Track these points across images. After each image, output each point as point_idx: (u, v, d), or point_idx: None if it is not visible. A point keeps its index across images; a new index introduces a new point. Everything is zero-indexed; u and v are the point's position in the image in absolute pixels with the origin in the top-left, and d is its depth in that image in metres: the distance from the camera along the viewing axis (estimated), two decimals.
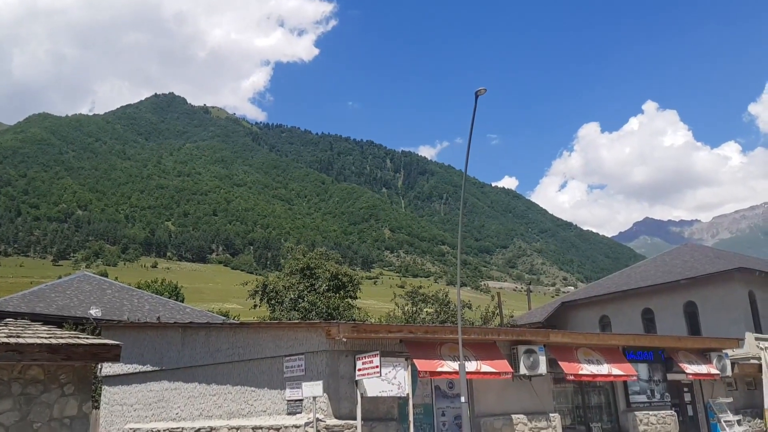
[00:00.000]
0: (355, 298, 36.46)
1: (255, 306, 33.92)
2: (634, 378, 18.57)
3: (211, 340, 17.17)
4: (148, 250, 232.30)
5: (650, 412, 18.78)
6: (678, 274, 29.82)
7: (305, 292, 32.52)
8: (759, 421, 20.92)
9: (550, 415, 16.91)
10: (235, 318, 36.09)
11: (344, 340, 14.16)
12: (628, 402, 18.75)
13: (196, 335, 17.72)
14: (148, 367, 18.46)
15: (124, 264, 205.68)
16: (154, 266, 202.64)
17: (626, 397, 18.78)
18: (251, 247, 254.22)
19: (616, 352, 18.65)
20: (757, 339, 24.41)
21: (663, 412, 19.03)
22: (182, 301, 42.56)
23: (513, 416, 16.23)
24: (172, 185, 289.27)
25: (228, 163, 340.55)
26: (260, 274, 52.50)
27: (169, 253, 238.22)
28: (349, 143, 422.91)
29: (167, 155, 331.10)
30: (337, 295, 33.88)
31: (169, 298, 40.72)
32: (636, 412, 18.57)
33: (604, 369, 17.76)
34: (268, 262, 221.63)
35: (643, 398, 19.05)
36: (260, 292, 33.53)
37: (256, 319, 28.99)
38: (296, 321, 22.38)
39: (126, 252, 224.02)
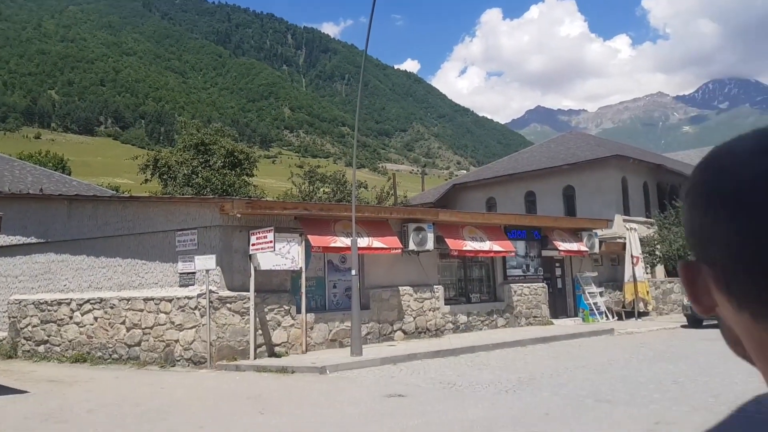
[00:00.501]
0: (252, 175, 36.30)
1: (146, 181, 33.12)
2: (513, 254, 20.04)
3: (99, 213, 16.83)
4: (30, 120, 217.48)
5: (524, 285, 20.48)
6: (560, 160, 31.57)
7: (199, 168, 32.01)
8: (619, 293, 23.30)
9: (435, 287, 18.11)
10: (126, 193, 35.10)
11: (238, 216, 14.31)
12: (505, 275, 20.31)
13: (83, 208, 17.30)
14: (33, 239, 17.97)
15: (4, 134, 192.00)
16: (38, 137, 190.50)
17: (504, 271, 20.32)
18: (142, 121, 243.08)
19: (498, 230, 19.92)
20: (624, 221, 26.67)
21: (535, 284, 20.81)
22: (69, 175, 40.73)
23: (400, 288, 17.26)
24: (55, 51, 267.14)
25: (116, 29, 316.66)
26: (152, 149, 50.64)
27: (53, 124, 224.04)
28: (249, 15, 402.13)
29: (48, 17, 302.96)
30: (233, 172, 33.59)
31: (55, 170, 38.82)
32: (512, 285, 20.20)
33: (486, 246, 19.01)
34: (161, 137, 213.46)
35: (518, 272, 20.68)
36: (152, 167, 32.67)
37: (147, 194, 28.39)
38: (189, 197, 22.18)
39: (5, 121, 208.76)
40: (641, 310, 22.77)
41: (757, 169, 0.59)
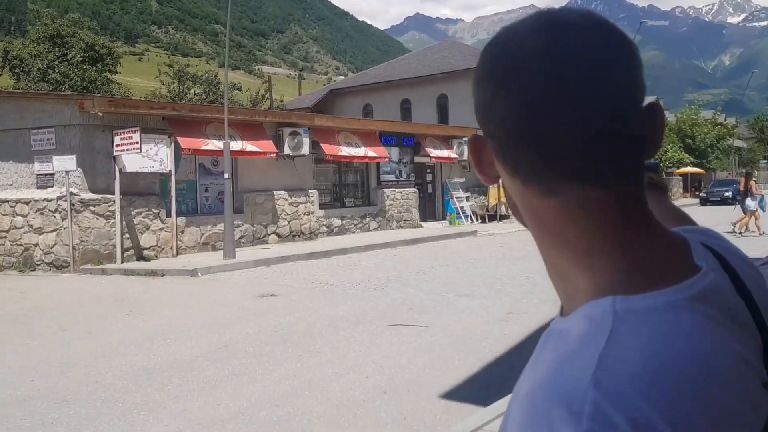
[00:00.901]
0: (115, 72, 33.99)
1: None
2: (387, 160, 20.45)
3: None
4: None
5: (396, 190, 21.09)
6: (436, 68, 31.98)
7: (56, 63, 29.54)
8: (483, 197, 24.57)
9: (309, 191, 18.24)
10: None
11: (100, 114, 13.52)
12: (378, 180, 20.77)
13: None
14: None
15: None
16: None
17: (378, 177, 20.75)
18: None
19: (373, 136, 20.15)
20: None
21: (407, 189, 21.48)
22: None
23: (275, 192, 17.23)
24: None
25: None
26: (1, 40, 45.85)
27: None
28: None
29: None
30: (94, 68, 31.29)
31: None
32: (385, 190, 20.73)
33: (361, 151, 19.24)
34: (12, 27, 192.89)
35: (392, 177, 21.21)
36: (1, 60, 29.75)
37: None
38: (45, 92, 20.53)
39: None
40: (503, 214, 24.20)
41: (529, 47, 0.62)
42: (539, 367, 0.59)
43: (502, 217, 24.11)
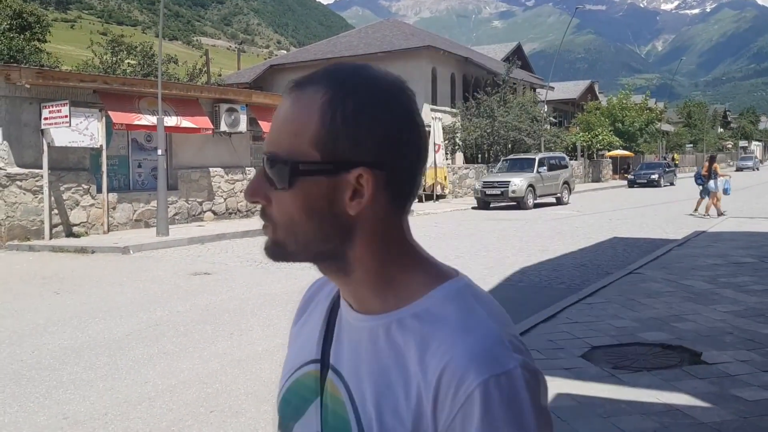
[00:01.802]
0: (44, 41, 32.64)
1: None
2: None
3: None
4: None
5: None
6: (376, 47, 32.00)
7: None
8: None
9: (247, 168, 18.13)
10: None
11: (27, 86, 13.10)
12: None
13: None
14: None
15: None
16: None
17: None
18: None
19: None
20: (432, 110, 28.04)
21: None
22: None
23: (211, 169, 17.06)
24: None
25: None
26: None
27: None
28: None
29: None
30: (22, 36, 29.95)
31: None
32: None
33: None
34: None
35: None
36: None
37: None
38: None
39: None
40: (439, 194, 24.62)
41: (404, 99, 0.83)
42: (420, 347, 0.77)
43: (439, 197, 24.53)
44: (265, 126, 17.99)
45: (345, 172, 0.76)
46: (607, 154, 43.08)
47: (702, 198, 17.53)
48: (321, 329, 0.91)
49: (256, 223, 16.51)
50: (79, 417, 4.38)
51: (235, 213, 17.68)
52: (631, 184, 35.91)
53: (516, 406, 0.72)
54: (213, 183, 17.12)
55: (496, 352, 0.74)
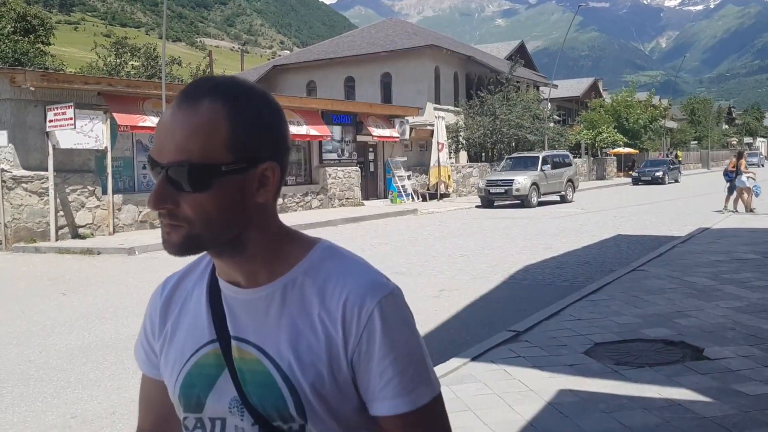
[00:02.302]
0: (48, 44, 32.80)
1: None
2: (329, 138, 20.52)
3: None
4: None
5: (339, 168, 21.20)
6: (379, 46, 32.01)
7: None
8: (425, 176, 24.95)
9: None
10: None
11: (32, 89, 13.18)
12: (321, 159, 20.84)
13: None
14: None
15: None
16: None
17: (320, 155, 20.81)
18: None
19: (316, 115, 20.17)
20: (435, 109, 28.10)
21: (349, 168, 21.62)
22: None
23: None
24: None
25: None
26: None
27: None
28: None
29: None
30: (26, 39, 30.11)
31: None
32: (327, 168, 20.82)
33: (303, 130, 19.25)
34: None
35: (334, 156, 21.30)
36: None
37: None
38: None
39: None
40: (443, 192, 24.64)
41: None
42: (315, 299, 0.97)
43: (443, 196, 24.56)
44: None
45: (254, 168, 0.93)
46: (611, 151, 43.01)
47: (730, 194, 17.31)
48: (207, 315, 1.02)
49: None
50: (87, 416, 4.43)
51: None
52: (636, 181, 35.85)
53: (403, 315, 0.98)
54: None
55: (379, 280, 0.98)
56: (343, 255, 1.02)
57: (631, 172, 40.69)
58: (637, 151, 44.73)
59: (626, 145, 42.51)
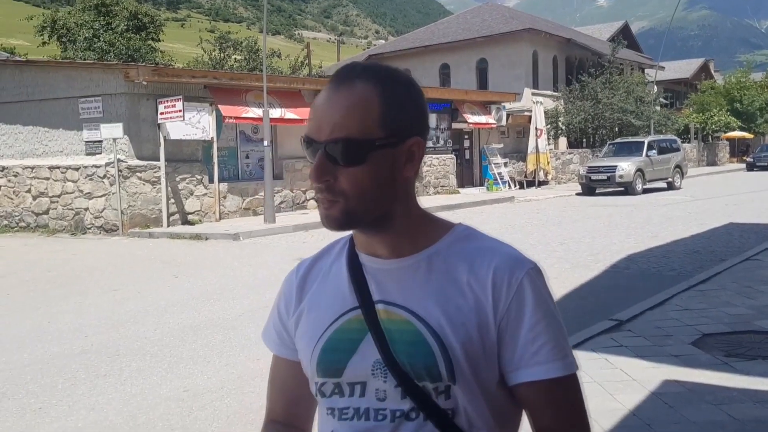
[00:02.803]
0: (158, 40, 34.50)
1: (44, 43, 31.00)
2: None
3: None
4: None
5: (434, 156, 21.18)
6: (475, 32, 31.61)
7: (101, 32, 30.13)
8: (522, 163, 24.48)
9: None
10: (23, 56, 32.78)
11: (144, 83, 13.93)
12: None
13: None
14: None
15: None
16: None
17: None
18: None
19: None
20: (533, 94, 27.47)
21: (444, 155, 21.55)
22: None
23: None
24: None
25: None
26: (48, 8, 46.83)
27: None
28: None
29: None
30: (138, 36, 31.81)
31: None
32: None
33: None
34: None
35: (429, 144, 21.10)
36: (49, 28, 30.50)
37: (46, 57, 26.64)
38: (91, 62, 21.09)
39: None
40: (541, 180, 24.11)
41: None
42: (464, 267, 1.03)
43: (541, 183, 24.04)
44: None
45: (402, 143, 1.00)
46: (724, 136, 40.59)
47: None
48: (348, 284, 1.08)
49: None
50: (198, 390, 4.69)
51: None
52: (750, 167, 33.69)
53: (545, 286, 1.04)
54: None
55: (522, 256, 1.05)
56: (485, 235, 1.09)
57: (745, 158, 38.27)
58: (752, 135, 41.99)
59: (740, 128, 39.97)
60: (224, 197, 15.36)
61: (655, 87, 33.73)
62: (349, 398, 1.04)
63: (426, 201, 18.81)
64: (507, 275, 1.01)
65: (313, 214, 15.92)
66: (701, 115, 38.79)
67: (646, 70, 38.02)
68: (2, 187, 15.36)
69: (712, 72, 53.61)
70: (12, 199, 15.21)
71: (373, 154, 0.98)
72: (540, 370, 0.99)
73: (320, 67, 42.35)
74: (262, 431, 1.21)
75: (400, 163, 1.01)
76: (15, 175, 15.15)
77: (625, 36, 38.66)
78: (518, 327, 1.00)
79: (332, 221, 1.00)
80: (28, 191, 14.96)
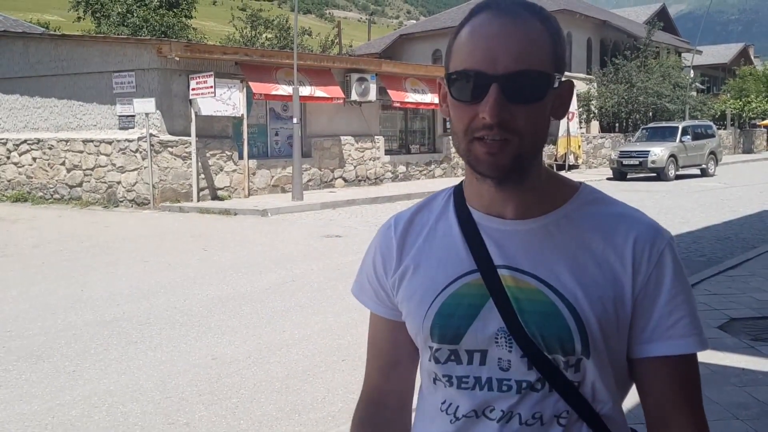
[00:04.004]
0: (191, 17, 34.71)
1: (79, 19, 31.40)
2: None
3: (30, 51, 16.16)
4: None
5: None
6: None
7: (135, 7, 30.39)
8: (552, 146, 24.22)
9: (376, 137, 18.49)
10: (57, 31, 33.22)
11: (177, 59, 14.04)
12: (445, 128, 20.79)
13: (14, 45, 16.55)
14: None
15: None
16: None
17: (444, 124, 20.76)
18: None
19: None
20: (566, 76, 27.05)
21: None
22: None
23: (342, 137, 17.57)
24: None
25: None
26: None
27: None
28: None
29: None
30: (171, 13, 32.03)
31: None
32: (451, 137, 20.73)
33: (428, 98, 19.25)
34: None
35: None
36: (84, 4, 30.86)
37: (80, 32, 26.99)
38: (125, 37, 21.29)
39: None
40: (572, 164, 23.85)
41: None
42: (599, 227, 0.98)
43: (571, 167, 23.79)
44: (393, 95, 18.19)
45: (560, 84, 0.94)
46: (761, 123, 39.65)
47: None
48: (463, 245, 1.00)
49: (385, 190, 16.92)
50: (226, 359, 4.79)
51: (364, 180, 18.13)
52: None
53: (679, 257, 0.98)
54: (344, 151, 17.63)
55: (659, 225, 0.99)
56: (613, 199, 1.02)
57: None
58: None
59: None
60: (253, 174, 15.49)
61: (692, 71, 33.03)
62: (468, 366, 0.98)
63: (454, 182, 18.67)
64: (648, 246, 0.95)
65: (341, 193, 15.99)
66: (738, 101, 37.92)
67: (683, 54, 37.21)
68: (37, 160, 15.68)
69: (752, 58, 52.28)
70: (47, 171, 15.52)
71: (550, 90, 0.91)
72: (676, 344, 0.95)
73: (350, 46, 42.27)
74: (356, 409, 1.15)
75: (553, 106, 0.95)
76: (50, 148, 15.45)
77: (661, 19, 37.84)
78: (656, 299, 0.95)
79: (497, 168, 0.91)
80: (63, 164, 15.24)
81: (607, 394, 0.97)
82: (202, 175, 14.51)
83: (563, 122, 23.60)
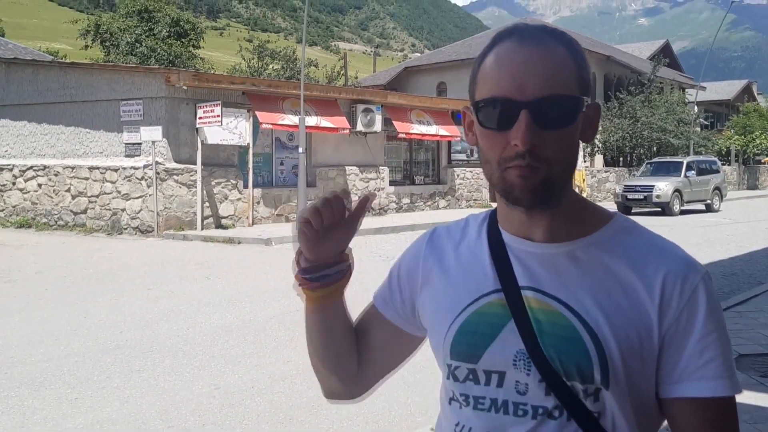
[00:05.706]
0: (198, 47, 35.14)
1: (87, 47, 31.81)
2: (458, 138, 20.48)
3: (39, 78, 16.35)
4: None
5: (467, 169, 21.15)
6: None
7: (143, 37, 30.79)
8: None
9: (380, 168, 18.57)
10: (66, 59, 33.64)
11: (185, 87, 14.18)
12: (449, 159, 20.88)
13: (23, 73, 16.75)
14: None
15: None
16: None
17: (449, 155, 20.87)
18: None
19: (445, 115, 20.23)
20: None
21: (478, 169, 21.47)
22: (2, 36, 38.48)
23: (347, 167, 17.64)
24: None
25: None
26: (91, 13, 48.01)
27: None
28: None
29: None
30: (179, 42, 32.44)
31: None
32: (455, 168, 20.82)
33: (433, 130, 19.38)
34: (101, 1, 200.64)
35: (462, 156, 21.28)
36: (93, 33, 31.26)
37: (89, 60, 27.35)
38: (134, 65, 21.54)
39: None
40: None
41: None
42: (629, 255, 0.95)
43: None
44: (399, 126, 18.30)
45: (587, 107, 0.93)
46: (765, 159, 39.75)
47: None
48: (490, 265, 1.00)
49: (389, 220, 16.91)
50: (229, 388, 4.74)
51: (369, 211, 18.09)
52: None
53: (717, 297, 0.95)
54: (348, 181, 17.69)
55: (694, 260, 0.96)
56: (648, 230, 1.00)
57: None
58: None
59: None
60: (258, 202, 15.52)
61: (696, 107, 33.24)
62: (485, 387, 0.96)
63: (458, 214, 18.76)
64: (680, 280, 0.92)
65: None
66: (743, 137, 38.08)
67: (687, 90, 37.49)
68: (43, 186, 15.74)
69: (755, 94, 52.66)
70: (52, 197, 15.57)
71: (580, 114, 0.91)
72: (705, 386, 0.90)
73: (356, 77, 42.66)
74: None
75: (581, 129, 0.94)
76: (56, 174, 15.52)
77: (665, 55, 38.23)
78: (687, 337, 0.91)
79: (528, 192, 0.90)
80: (68, 190, 15.30)
81: (628, 428, 0.93)
82: (207, 204, 14.54)
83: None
